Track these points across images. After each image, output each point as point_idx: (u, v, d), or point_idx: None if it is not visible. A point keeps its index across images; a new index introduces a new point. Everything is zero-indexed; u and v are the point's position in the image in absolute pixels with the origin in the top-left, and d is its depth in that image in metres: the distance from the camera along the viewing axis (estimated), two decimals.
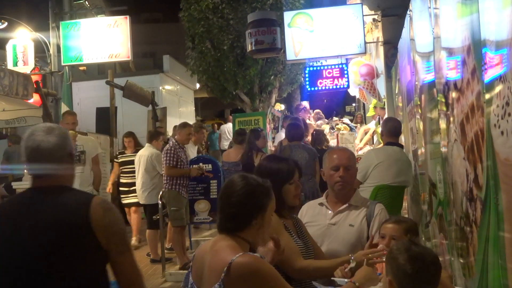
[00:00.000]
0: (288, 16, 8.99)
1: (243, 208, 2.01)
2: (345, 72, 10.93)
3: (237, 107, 16.51)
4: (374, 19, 8.95)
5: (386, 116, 7.90)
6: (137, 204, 7.78)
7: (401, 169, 4.66)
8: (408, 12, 4.68)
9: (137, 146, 8.24)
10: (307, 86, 11.55)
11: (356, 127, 11.02)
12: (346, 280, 2.32)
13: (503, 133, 1.83)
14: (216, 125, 18.18)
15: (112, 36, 10.53)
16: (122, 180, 8.25)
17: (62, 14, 11.16)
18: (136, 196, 7.54)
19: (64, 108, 10.56)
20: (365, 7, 8.88)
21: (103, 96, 12.34)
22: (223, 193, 2.09)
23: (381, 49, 8.61)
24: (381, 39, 8.60)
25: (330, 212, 2.97)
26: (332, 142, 9.34)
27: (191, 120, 17.42)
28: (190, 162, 7.30)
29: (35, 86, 8.88)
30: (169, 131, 10.66)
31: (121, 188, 8.28)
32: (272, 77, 14.09)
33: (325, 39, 8.74)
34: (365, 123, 12.15)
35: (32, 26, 11.25)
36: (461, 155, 2.56)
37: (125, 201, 8.13)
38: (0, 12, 11.54)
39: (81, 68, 16.06)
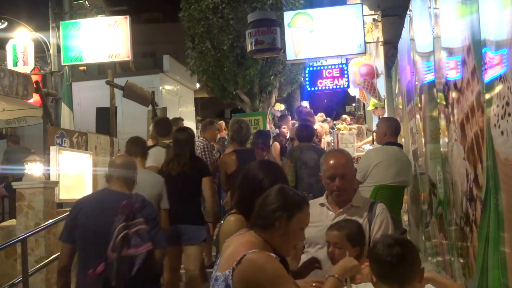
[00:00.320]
0: (288, 16, 8.99)
1: (270, 206, 2.13)
2: (345, 72, 10.91)
3: (237, 107, 16.51)
4: (374, 19, 8.95)
5: (385, 115, 7.91)
6: None
7: (401, 169, 4.65)
8: (408, 12, 4.68)
9: None
10: (307, 86, 11.54)
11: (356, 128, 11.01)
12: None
13: (503, 133, 1.83)
14: None
15: (112, 36, 10.53)
16: None
17: (62, 14, 11.17)
18: None
19: (64, 108, 10.57)
20: (365, 7, 8.88)
21: (103, 96, 12.32)
22: (265, 194, 2.21)
23: (381, 49, 8.61)
24: (381, 39, 8.60)
25: (331, 213, 2.95)
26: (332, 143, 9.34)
27: (192, 120, 17.43)
28: None
29: (35, 86, 8.87)
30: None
31: None
32: (272, 77, 14.09)
33: (325, 39, 8.73)
34: (366, 123, 12.16)
35: (32, 26, 11.25)
36: (461, 155, 2.56)
37: None
38: (0, 12, 11.54)
39: (81, 68, 16.06)
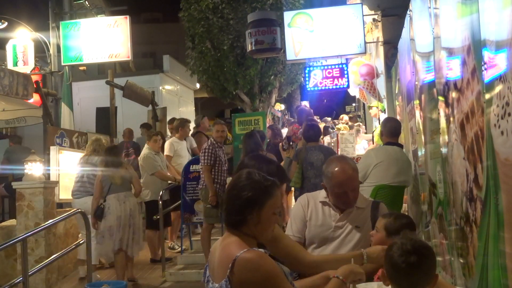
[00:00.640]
0: (288, 16, 8.99)
1: (237, 202, 2.05)
2: (345, 72, 10.92)
3: (237, 107, 16.51)
4: (374, 19, 8.94)
5: (385, 116, 7.90)
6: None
7: (401, 169, 4.65)
8: (408, 12, 4.68)
9: None
10: (307, 86, 11.55)
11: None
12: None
13: (503, 133, 1.83)
14: None
15: (112, 36, 10.54)
16: None
17: (62, 14, 11.17)
18: None
19: (64, 108, 10.57)
20: (365, 7, 8.88)
21: (103, 96, 12.33)
22: (229, 188, 2.14)
23: (381, 49, 8.61)
24: (381, 39, 8.59)
25: (335, 213, 2.90)
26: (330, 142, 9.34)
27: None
28: (189, 163, 7.31)
29: (35, 86, 8.88)
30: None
31: None
32: (272, 77, 14.09)
33: (325, 39, 8.73)
34: (365, 123, 12.17)
35: (32, 26, 11.25)
36: (461, 155, 2.56)
37: None
38: (0, 12, 11.53)
39: (81, 68, 16.06)
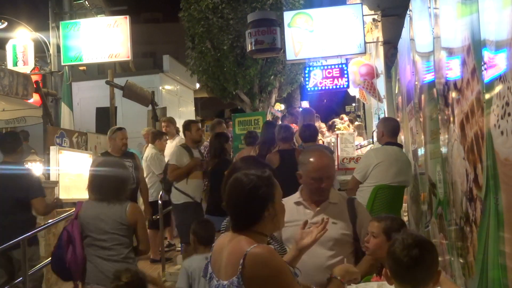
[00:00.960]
0: (288, 16, 8.99)
1: (252, 205, 2.06)
2: (345, 72, 10.91)
3: (237, 107, 16.51)
4: (374, 19, 8.95)
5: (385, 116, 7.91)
6: None
7: (400, 169, 4.65)
8: (408, 12, 4.68)
9: None
10: (307, 86, 11.54)
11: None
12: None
13: (503, 133, 1.83)
14: None
15: (112, 36, 10.54)
16: None
17: (62, 14, 11.18)
18: None
19: (64, 108, 10.57)
20: (365, 7, 8.88)
21: (103, 96, 12.33)
22: (231, 194, 2.12)
23: (381, 49, 8.61)
24: (381, 39, 8.60)
25: (309, 211, 2.92)
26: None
27: None
28: None
29: (35, 86, 8.88)
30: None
31: None
32: (272, 77, 14.09)
33: (325, 39, 8.73)
34: (365, 123, 12.17)
35: (32, 26, 11.25)
36: (461, 155, 2.56)
37: None
38: (0, 12, 11.54)
39: (81, 68, 16.06)
